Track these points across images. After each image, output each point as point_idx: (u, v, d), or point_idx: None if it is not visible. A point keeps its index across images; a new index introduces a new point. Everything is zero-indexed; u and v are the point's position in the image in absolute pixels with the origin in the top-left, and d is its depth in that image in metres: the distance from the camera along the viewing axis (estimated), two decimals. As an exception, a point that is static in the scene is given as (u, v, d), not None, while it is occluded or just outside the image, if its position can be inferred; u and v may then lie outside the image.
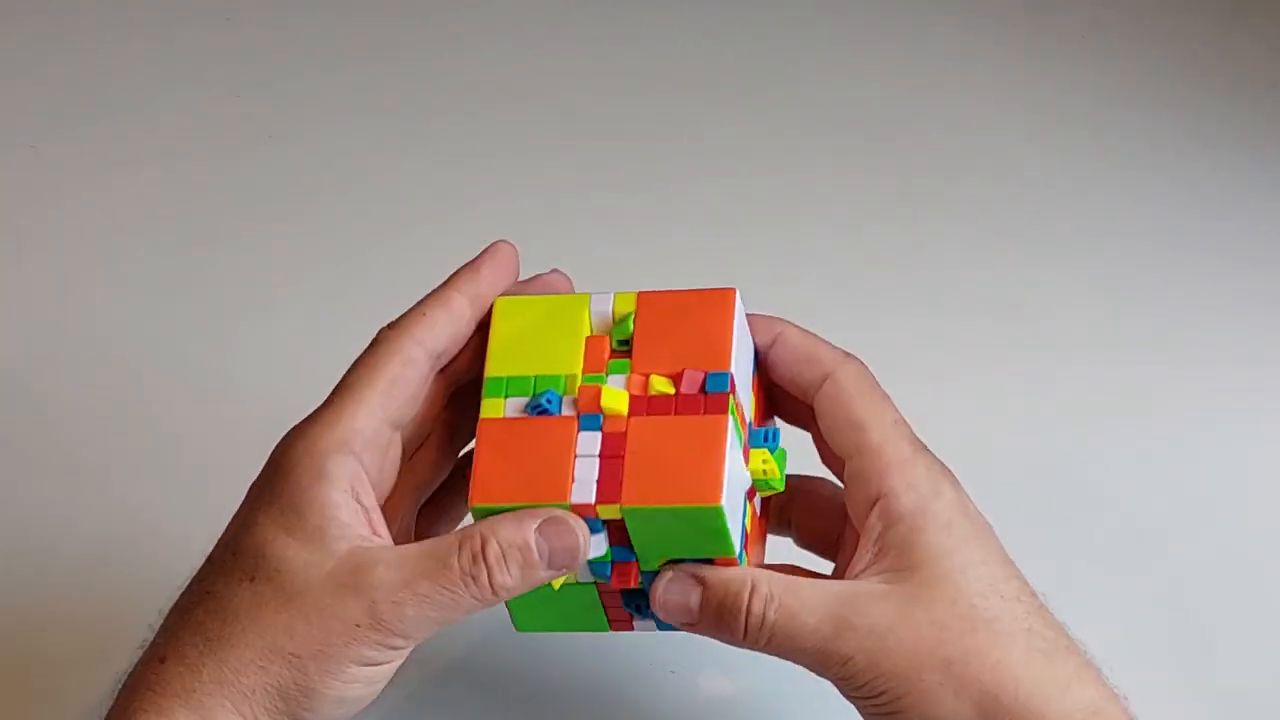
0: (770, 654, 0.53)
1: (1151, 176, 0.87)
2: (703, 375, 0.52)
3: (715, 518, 0.51)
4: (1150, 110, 0.90)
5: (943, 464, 0.55)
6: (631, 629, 0.56)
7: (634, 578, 0.54)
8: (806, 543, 0.59)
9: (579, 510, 0.52)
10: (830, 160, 0.88)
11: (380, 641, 0.51)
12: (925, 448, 0.55)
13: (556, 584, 0.54)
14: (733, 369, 0.53)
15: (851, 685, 0.52)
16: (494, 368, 0.54)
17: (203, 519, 0.70)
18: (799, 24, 0.95)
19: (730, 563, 0.53)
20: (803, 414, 0.57)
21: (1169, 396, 0.78)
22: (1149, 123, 0.90)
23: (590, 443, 0.52)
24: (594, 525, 0.52)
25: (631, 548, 0.53)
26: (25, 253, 0.81)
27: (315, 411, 0.54)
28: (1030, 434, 0.75)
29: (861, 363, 0.56)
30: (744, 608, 0.52)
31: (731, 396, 0.52)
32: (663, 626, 0.55)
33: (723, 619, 0.52)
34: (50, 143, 0.86)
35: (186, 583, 0.54)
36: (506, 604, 0.55)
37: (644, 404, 0.52)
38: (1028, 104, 0.91)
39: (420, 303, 0.56)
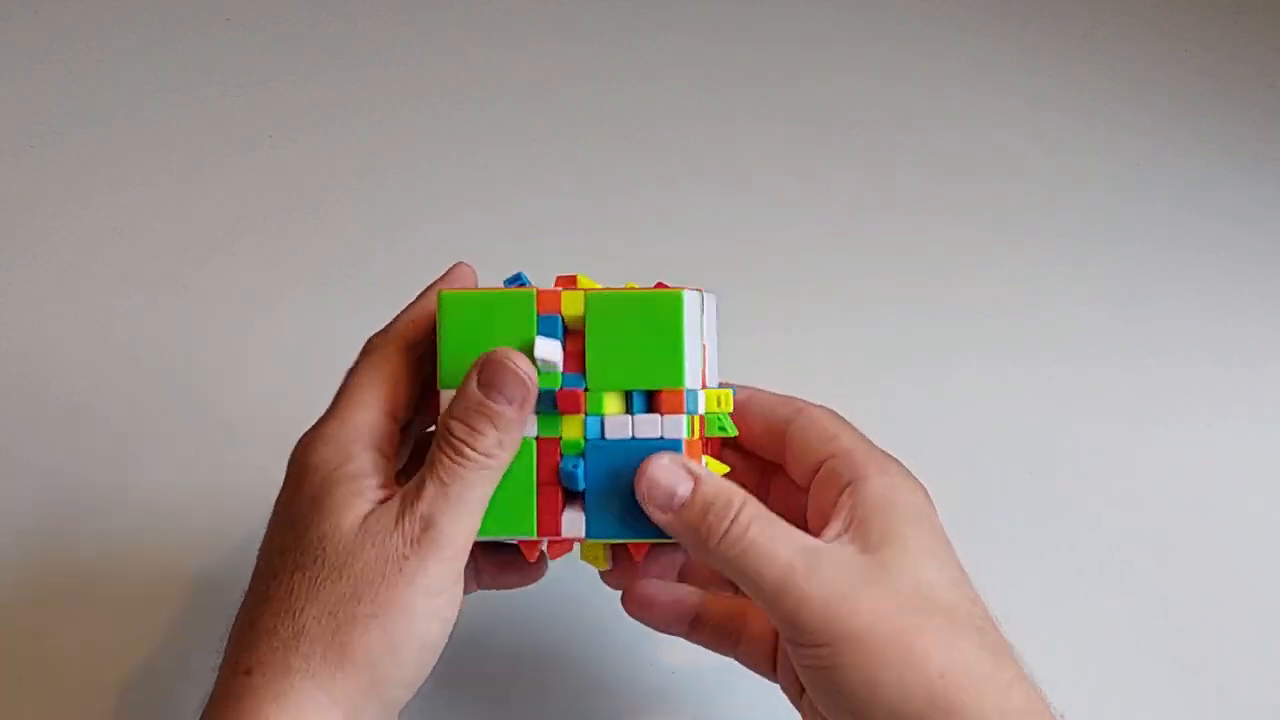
0: (730, 573, 0.53)
1: (1152, 176, 0.87)
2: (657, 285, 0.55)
3: (676, 308, 0.53)
4: (1150, 110, 0.90)
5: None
6: (559, 533, 0.56)
7: (580, 404, 0.55)
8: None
9: (544, 299, 0.54)
10: (830, 159, 0.88)
11: (433, 561, 0.52)
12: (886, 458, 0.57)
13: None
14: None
15: (798, 630, 0.52)
16: (446, 377, 0.56)
17: (203, 521, 0.70)
18: (798, 23, 0.95)
19: (677, 397, 0.54)
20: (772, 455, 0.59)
21: (1169, 396, 0.78)
22: (1149, 122, 0.90)
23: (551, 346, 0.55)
24: (553, 329, 0.54)
25: (583, 374, 0.54)
26: (25, 253, 0.81)
27: (324, 416, 0.56)
28: (1029, 433, 0.75)
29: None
30: (733, 515, 0.53)
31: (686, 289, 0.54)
32: (592, 532, 0.55)
33: (707, 518, 0.53)
34: (50, 143, 0.86)
35: (242, 596, 0.55)
36: None
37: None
38: (1028, 103, 0.91)
39: (405, 313, 0.59)
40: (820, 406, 0.58)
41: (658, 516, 0.54)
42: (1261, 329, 0.81)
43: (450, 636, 0.66)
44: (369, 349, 0.58)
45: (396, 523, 0.52)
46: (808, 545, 0.53)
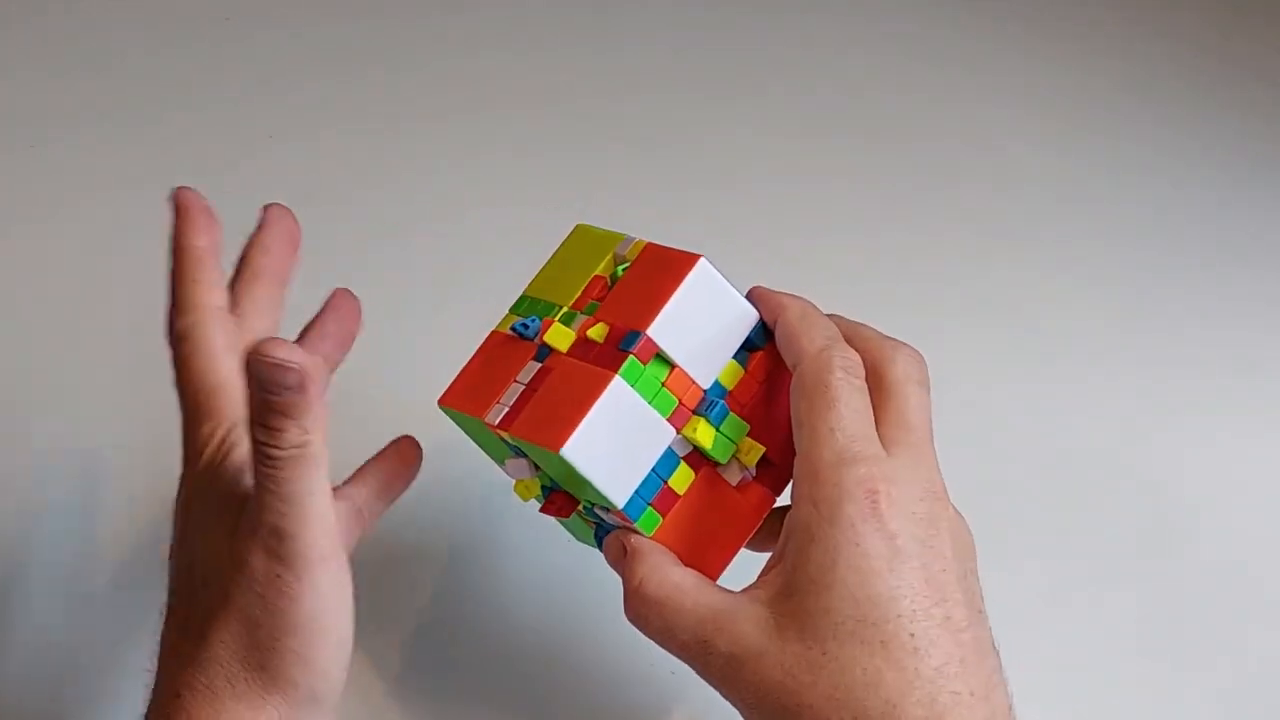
0: None
1: (1152, 177, 0.87)
2: (625, 333, 0.55)
3: (565, 462, 0.53)
4: (1150, 110, 0.90)
5: (873, 480, 0.52)
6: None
7: (564, 509, 0.57)
8: None
9: (492, 430, 0.56)
10: (832, 161, 0.88)
11: (302, 564, 0.51)
12: (861, 459, 0.52)
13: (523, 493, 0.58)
14: (653, 331, 0.55)
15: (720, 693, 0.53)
16: (531, 288, 0.60)
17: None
18: (801, 25, 0.95)
19: (624, 517, 0.55)
20: None
21: (1168, 397, 0.78)
22: (1149, 123, 0.90)
23: (529, 372, 0.56)
24: (515, 450, 0.57)
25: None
26: (25, 253, 0.81)
27: (187, 421, 0.59)
28: (1029, 435, 0.75)
29: (835, 354, 0.54)
30: (628, 601, 0.54)
31: (634, 356, 0.54)
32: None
33: (627, 602, 0.54)
34: (50, 143, 0.86)
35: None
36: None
37: (580, 347, 0.56)
38: (1028, 105, 0.91)
39: (188, 272, 0.61)
40: (819, 359, 0.54)
41: None
42: (1263, 329, 0.81)
43: (446, 638, 0.66)
44: (179, 335, 0.60)
45: (254, 543, 0.52)
46: (712, 612, 0.52)
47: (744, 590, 0.53)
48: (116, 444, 0.74)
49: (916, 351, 0.56)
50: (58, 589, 0.68)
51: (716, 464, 0.57)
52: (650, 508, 0.55)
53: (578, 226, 0.61)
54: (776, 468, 0.57)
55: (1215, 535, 0.72)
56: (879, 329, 0.57)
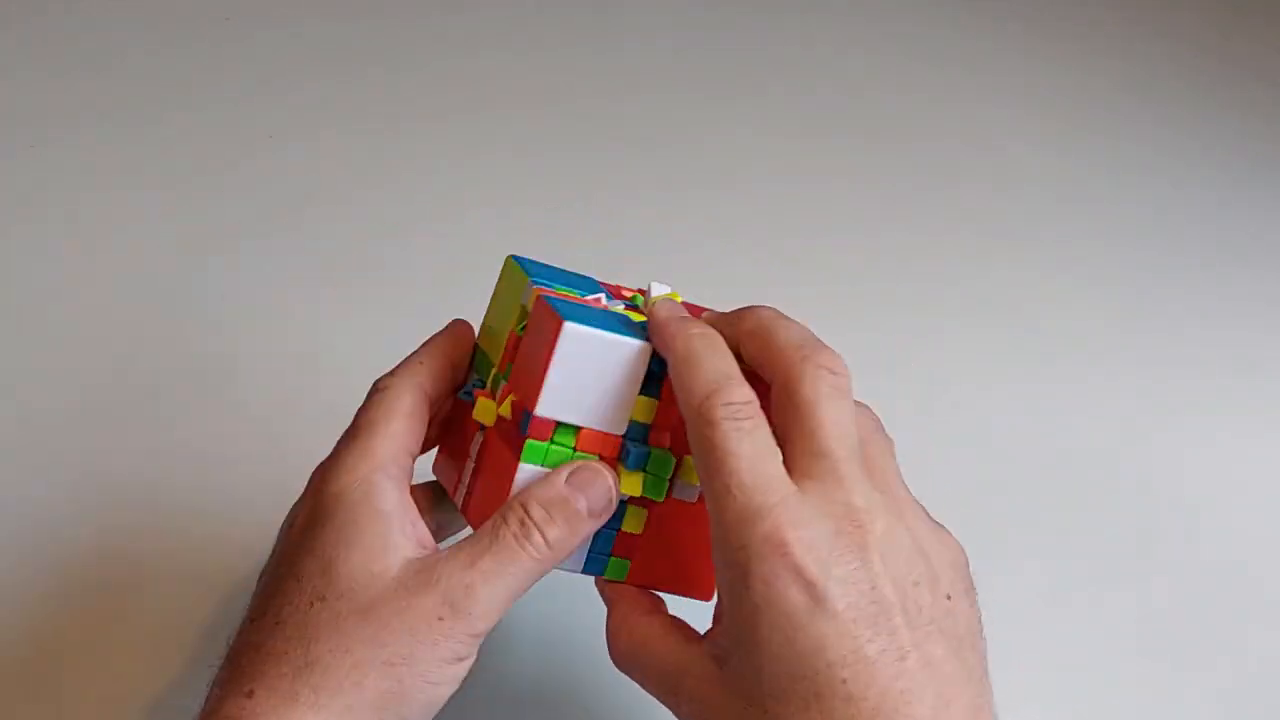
0: None
1: (1152, 177, 0.87)
2: (522, 411, 0.54)
3: None
4: (1150, 110, 0.90)
5: (779, 530, 0.49)
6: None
7: None
8: None
9: None
10: (832, 161, 0.88)
11: (463, 630, 0.52)
12: (764, 511, 0.50)
13: None
14: (541, 410, 0.54)
15: None
16: (480, 336, 0.59)
17: (210, 522, 0.70)
18: (801, 25, 0.95)
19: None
20: None
21: (1168, 397, 0.78)
22: (1149, 123, 0.90)
23: (476, 444, 0.57)
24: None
25: None
26: (25, 253, 0.81)
27: (344, 446, 0.56)
28: (1029, 436, 0.75)
29: (716, 403, 0.52)
30: (609, 651, 0.55)
31: (531, 439, 0.54)
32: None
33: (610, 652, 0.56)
34: (50, 143, 0.86)
35: (242, 622, 0.54)
36: None
37: (501, 422, 0.56)
38: (1029, 106, 0.91)
39: (415, 355, 0.58)
40: (708, 405, 0.52)
41: None
42: (1263, 329, 0.81)
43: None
44: (379, 388, 0.57)
45: (439, 581, 0.52)
46: (672, 665, 0.53)
47: (702, 638, 0.53)
48: (113, 445, 0.74)
49: (833, 355, 0.53)
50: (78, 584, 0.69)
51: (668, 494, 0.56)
52: (613, 558, 0.56)
53: (506, 260, 0.58)
54: None
55: (1215, 535, 0.72)
56: (809, 327, 0.54)
